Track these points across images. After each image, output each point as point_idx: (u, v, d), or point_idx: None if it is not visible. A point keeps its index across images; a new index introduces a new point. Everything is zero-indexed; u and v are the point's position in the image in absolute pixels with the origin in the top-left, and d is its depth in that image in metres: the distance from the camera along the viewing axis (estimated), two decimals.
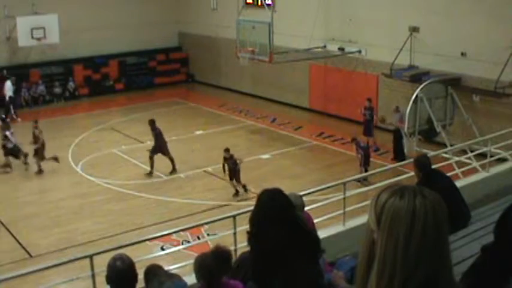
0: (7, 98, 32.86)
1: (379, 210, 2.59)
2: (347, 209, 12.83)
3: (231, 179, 21.25)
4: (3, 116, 31.51)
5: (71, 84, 36.79)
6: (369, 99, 25.96)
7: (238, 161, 21.19)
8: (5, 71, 34.76)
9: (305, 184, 19.78)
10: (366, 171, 21.32)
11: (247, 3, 33.84)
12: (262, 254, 4.83)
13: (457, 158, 18.26)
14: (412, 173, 11.29)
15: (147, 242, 15.02)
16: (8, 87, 32.86)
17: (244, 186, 21.27)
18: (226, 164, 21.18)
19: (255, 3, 33.72)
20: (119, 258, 6.74)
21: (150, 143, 26.53)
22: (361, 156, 22.35)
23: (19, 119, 32.40)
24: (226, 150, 21.25)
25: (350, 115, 28.90)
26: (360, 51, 28.62)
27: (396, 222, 2.54)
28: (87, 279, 10.61)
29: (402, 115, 23.33)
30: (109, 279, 6.66)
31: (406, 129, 22.04)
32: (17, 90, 34.05)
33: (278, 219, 4.83)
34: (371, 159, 22.78)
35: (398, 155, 23.58)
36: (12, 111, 32.69)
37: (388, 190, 2.64)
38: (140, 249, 14.67)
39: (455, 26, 24.66)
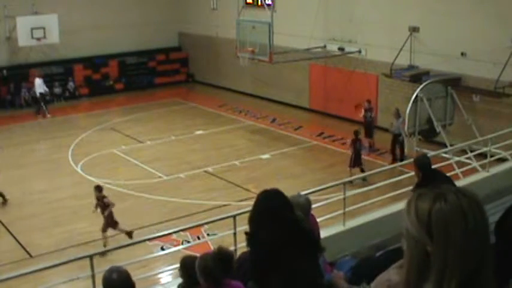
0: (38, 95, 32.94)
1: (426, 221, 2.48)
2: (347, 209, 12.85)
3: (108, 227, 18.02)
4: (35, 111, 31.95)
5: (70, 84, 36.81)
6: (369, 101, 25.84)
7: (109, 204, 17.90)
8: (4, 71, 34.79)
9: (305, 184, 19.78)
10: (363, 171, 21.37)
11: (247, 3, 33.84)
12: (261, 254, 4.83)
13: (457, 158, 18.30)
14: (412, 173, 11.30)
15: (147, 242, 15.05)
16: (38, 85, 32.92)
17: (129, 233, 17.94)
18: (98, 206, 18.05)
19: (255, 3, 33.71)
20: (115, 270, 6.75)
21: (150, 143, 26.61)
22: (352, 155, 22.34)
23: (49, 115, 32.54)
24: (98, 188, 18.31)
25: (350, 115, 28.88)
26: (359, 51, 28.62)
27: (451, 229, 2.44)
28: (87, 279, 10.62)
29: (404, 119, 23.20)
30: None
31: (406, 129, 22.04)
32: (17, 91, 34.06)
33: (276, 219, 4.84)
34: (368, 158, 22.87)
35: (396, 157, 23.61)
36: (44, 108, 32.81)
37: (424, 197, 2.54)
38: (140, 249, 14.70)
39: (455, 26, 24.65)
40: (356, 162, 22.21)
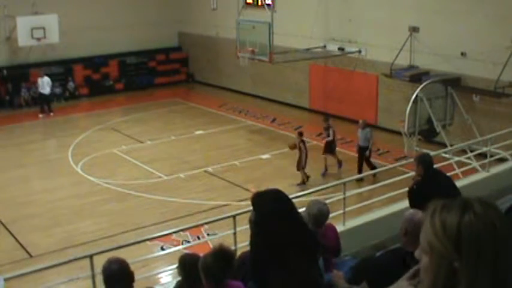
0: (46, 93, 32.99)
1: (454, 236, 2.30)
2: (347, 209, 12.86)
3: None
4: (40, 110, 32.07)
5: (70, 84, 36.83)
6: (326, 119, 24.18)
7: None
8: (4, 71, 34.80)
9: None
10: (340, 163, 22.98)
11: (247, 3, 33.84)
12: (262, 254, 4.83)
13: (457, 158, 18.30)
14: (413, 173, 11.29)
15: (147, 242, 15.04)
16: (47, 83, 32.94)
17: None
18: None
19: (255, 3, 33.73)
20: (115, 261, 6.75)
21: (150, 143, 26.60)
22: (304, 156, 22.02)
23: (52, 114, 32.60)
24: None
25: (350, 115, 28.91)
26: (359, 51, 28.63)
27: (483, 244, 2.28)
28: (87, 279, 10.63)
29: (369, 133, 22.43)
30: (105, 282, 6.67)
31: (406, 129, 22.02)
32: (17, 90, 34.06)
33: (280, 218, 4.83)
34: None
35: (361, 171, 21.69)
36: (47, 107, 33.03)
37: (450, 209, 2.37)
38: (140, 249, 14.69)
39: (455, 26, 24.66)
40: (302, 164, 22.19)
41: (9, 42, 35.21)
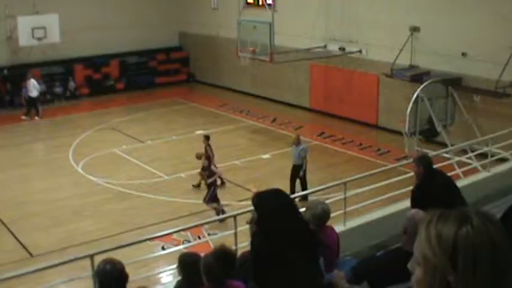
0: (32, 96, 32.86)
1: (450, 248, 2.22)
2: (348, 209, 12.85)
3: None
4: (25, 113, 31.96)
5: (71, 84, 36.83)
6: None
7: None
8: (5, 71, 34.82)
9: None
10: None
11: (247, 3, 33.87)
12: (263, 254, 4.84)
13: (457, 158, 18.30)
14: (412, 173, 11.28)
15: (148, 242, 15.05)
16: (33, 86, 32.84)
17: None
18: None
19: (256, 3, 33.75)
20: (109, 261, 6.77)
21: (150, 142, 26.60)
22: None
23: (37, 118, 32.52)
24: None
25: (351, 115, 28.95)
26: (360, 51, 28.61)
27: (479, 258, 2.20)
28: (87, 279, 10.62)
29: (304, 150, 20.73)
30: (99, 282, 6.70)
31: (406, 129, 22.00)
32: (17, 90, 34.04)
33: (280, 218, 4.84)
34: (368, 157, 22.74)
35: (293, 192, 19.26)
36: (35, 110, 32.82)
37: (446, 220, 2.28)
38: (141, 249, 14.70)
39: (456, 26, 24.66)
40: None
41: (10, 42, 35.21)
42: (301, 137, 21.35)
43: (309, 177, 20.86)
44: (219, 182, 20.88)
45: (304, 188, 20.07)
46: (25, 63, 35.49)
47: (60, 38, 34.70)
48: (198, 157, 21.55)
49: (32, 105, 32.79)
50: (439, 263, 2.23)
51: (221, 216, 17.44)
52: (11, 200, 21.51)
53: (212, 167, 19.74)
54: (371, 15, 27.80)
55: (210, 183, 19.33)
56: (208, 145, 21.76)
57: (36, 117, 32.74)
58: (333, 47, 29.73)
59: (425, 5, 25.82)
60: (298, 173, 20.40)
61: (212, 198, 19.17)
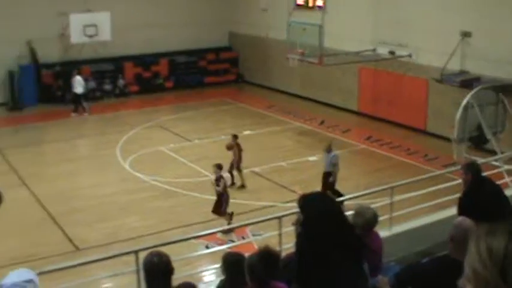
0: (78, 92, 33.25)
1: (500, 261, 2.18)
2: (394, 214, 12.76)
3: None
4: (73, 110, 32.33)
5: (121, 82, 37.17)
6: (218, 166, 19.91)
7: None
8: (57, 67, 35.26)
9: (351, 188, 19.74)
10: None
11: (297, 5, 33.85)
12: (308, 256, 4.83)
13: (507, 166, 18.05)
14: (460, 180, 11.16)
15: (193, 240, 15.14)
16: (78, 83, 33.21)
17: None
18: None
19: (306, 4, 33.71)
20: (156, 254, 6.81)
21: (198, 141, 26.70)
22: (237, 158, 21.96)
23: (86, 114, 32.91)
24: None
25: (399, 119, 28.75)
26: (410, 55, 28.36)
27: None
28: (131, 275, 10.70)
29: (336, 157, 20.15)
30: (146, 274, 6.73)
31: (455, 135, 21.76)
32: (68, 86, 34.38)
33: (326, 221, 4.83)
34: (416, 163, 22.56)
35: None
36: (83, 106, 33.27)
37: (495, 234, 2.24)
38: (185, 247, 14.77)
39: (508, 31, 24.34)
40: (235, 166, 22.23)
41: (62, 39, 35.67)
42: (334, 143, 20.89)
43: (357, 180, 20.79)
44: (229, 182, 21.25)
45: (337, 195, 18.66)
46: (76, 60, 35.96)
47: (111, 35, 35.07)
48: (229, 148, 22.10)
49: (78, 102, 33.14)
50: (490, 277, 2.19)
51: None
52: (59, 194, 21.77)
53: (222, 182, 18.90)
54: (421, 19, 27.56)
55: (219, 194, 18.80)
56: (237, 144, 21.89)
57: (85, 113, 33.11)
58: (383, 51, 29.51)
59: (476, 10, 25.54)
60: (328, 179, 19.89)
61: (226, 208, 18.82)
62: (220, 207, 18.67)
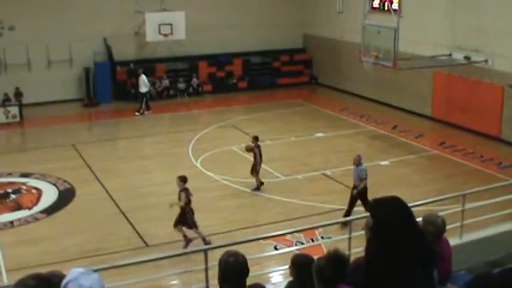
0: (142, 91, 33.61)
1: None
2: (465, 222, 12.57)
3: None
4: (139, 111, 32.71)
5: (194, 81, 37.47)
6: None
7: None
8: (131, 65, 35.73)
9: (422, 193, 19.53)
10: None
11: (373, 8, 33.64)
12: (378, 262, 4.80)
13: None
14: None
15: (261, 241, 15.17)
16: (142, 82, 33.58)
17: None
18: None
19: (381, 7, 33.49)
20: (233, 254, 6.80)
21: (269, 142, 26.72)
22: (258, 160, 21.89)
23: (147, 113, 33.24)
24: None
25: (474, 126, 28.32)
26: (486, 61, 27.88)
27: None
28: (199, 273, 10.78)
29: (364, 171, 19.45)
30: (221, 273, 6.73)
31: None
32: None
33: (397, 226, 4.79)
34: (490, 171, 22.19)
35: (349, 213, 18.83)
36: (144, 106, 33.49)
37: None
38: (254, 247, 14.80)
39: None
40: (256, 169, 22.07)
41: (138, 37, 36.21)
42: (362, 156, 20.21)
43: (429, 186, 20.54)
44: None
45: (349, 208, 19.03)
46: (150, 58, 36.48)
47: (185, 35, 35.42)
48: (248, 149, 22.07)
49: (143, 101, 33.45)
50: None
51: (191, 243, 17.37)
52: (131, 190, 22.06)
53: (183, 193, 17.67)
54: (498, 25, 27.05)
55: (183, 209, 17.63)
56: (257, 146, 21.86)
57: (146, 112, 33.40)
58: (458, 56, 29.09)
59: None
60: (364, 193, 19.07)
61: (192, 224, 17.70)
62: (183, 221, 17.71)
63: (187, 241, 17.60)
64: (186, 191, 17.66)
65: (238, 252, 6.76)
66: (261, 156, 21.98)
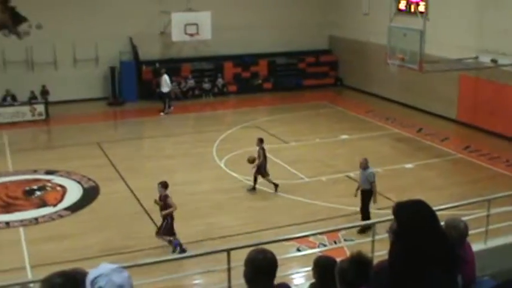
0: (164, 91, 33.70)
1: None
2: (490, 227, 12.47)
3: None
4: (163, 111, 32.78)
5: (219, 81, 37.54)
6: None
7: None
8: (157, 64, 35.84)
9: (446, 197, 19.43)
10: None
11: (399, 10, 33.52)
12: (401, 266, 4.78)
13: None
14: None
15: (284, 242, 15.14)
16: (164, 82, 33.70)
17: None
18: None
19: (408, 10, 33.35)
20: (262, 251, 6.78)
21: (294, 144, 26.70)
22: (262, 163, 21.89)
23: (170, 109, 33.37)
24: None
25: (499, 130, 28.13)
26: None
27: None
28: (221, 273, 10.78)
29: (372, 174, 19.30)
30: (249, 270, 6.69)
31: None
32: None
33: (421, 230, 4.77)
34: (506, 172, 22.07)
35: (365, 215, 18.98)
36: (167, 106, 33.59)
37: None
38: (277, 248, 14.73)
39: None
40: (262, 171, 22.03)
41: (163, 37, 36.35)
42: (369, 160, 19.85)
43: (453, 190, 20.42)
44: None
45: (364, 215, 18.90)
46: (176, 58, 36.59)
47: (211, 35, 35.48)
48: (251, 161, 21.91)
49: (165, 101, 33.55)
50: None
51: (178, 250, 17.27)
52: (154, 190, 22.02)
53: (169, 200, 17.68)
54: None
55: (165, 215, 17.68)
56: (262, 148, 21.83)
57: (168, 110, 33.51)
58: (485, 59, 28.90)
59: None
60: (369, 197, 19.06)
61: (167, 232, 17.71)
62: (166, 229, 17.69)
63: (173, 245, 17.53)
64: (167, 197, 17.66)
65: (267, 250, 6.74)
66: (265, 157, 22.07)
